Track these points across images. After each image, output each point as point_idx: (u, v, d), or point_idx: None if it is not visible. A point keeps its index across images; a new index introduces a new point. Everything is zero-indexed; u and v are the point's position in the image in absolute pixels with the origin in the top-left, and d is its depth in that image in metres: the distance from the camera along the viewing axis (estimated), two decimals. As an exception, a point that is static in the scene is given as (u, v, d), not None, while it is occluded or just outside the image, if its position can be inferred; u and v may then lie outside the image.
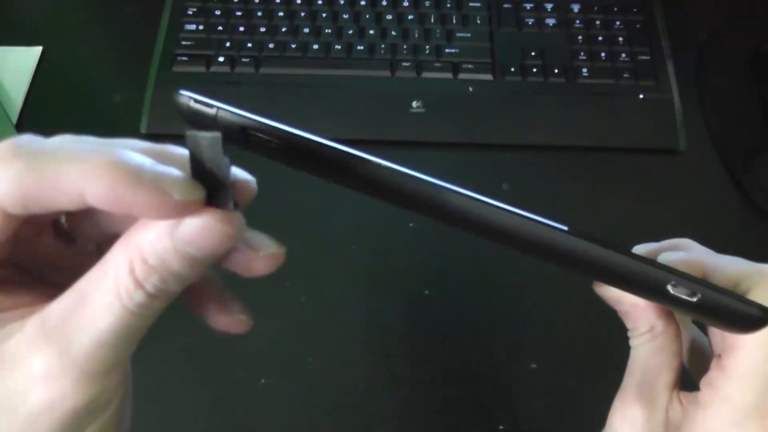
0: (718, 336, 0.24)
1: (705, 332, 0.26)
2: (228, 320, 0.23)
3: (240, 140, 0.20)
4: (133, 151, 0.18)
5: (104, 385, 0.19)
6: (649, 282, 0.21)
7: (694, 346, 0.28)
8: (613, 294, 0.25)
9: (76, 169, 0.17)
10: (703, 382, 0.24)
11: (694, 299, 0.21)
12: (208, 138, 0.18)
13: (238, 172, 0.20)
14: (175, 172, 0.18)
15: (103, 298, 0.18)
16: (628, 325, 0.26)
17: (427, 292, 0.49)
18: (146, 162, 0.18)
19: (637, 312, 0.25)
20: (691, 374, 0.28)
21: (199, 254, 0.18)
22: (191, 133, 0.18)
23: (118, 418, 0.20)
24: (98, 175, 0.17)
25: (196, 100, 0.20)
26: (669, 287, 0.21)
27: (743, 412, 0.23)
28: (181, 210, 0.18)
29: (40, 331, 0.18)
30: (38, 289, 0.21)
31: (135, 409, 0.22)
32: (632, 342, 0.26)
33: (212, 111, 0.20)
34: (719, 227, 0.53)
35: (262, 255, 0.21)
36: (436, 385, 0.46)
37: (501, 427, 0.44)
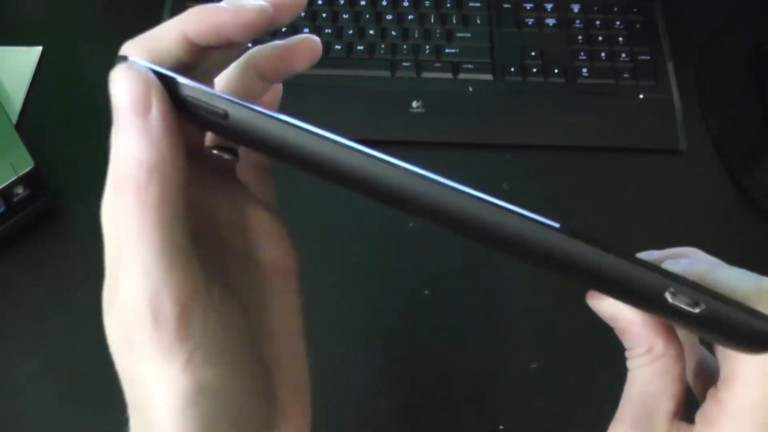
0: (726, 360, 0.21)
1: (714, 353, 0.24)
2: None
3: (187, 112, 0.20)
4: None
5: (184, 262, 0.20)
6: (644, 288, 0.18)
7: (701, 369, 0.26)
8: (607, 309, 0.23)
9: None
10: (699, 416, 0.22)
11: (697, 310, 0.18)
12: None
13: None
14: None
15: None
16: (626, 345, 0.23)
17: (427, 292, 0.49)
18: None
19: (634, 330, 0.22)
20: (699, 401, 0.25)
21: (115, 104, 0.19)
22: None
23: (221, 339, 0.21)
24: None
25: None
26: (667, 295, 0.18)
27: None
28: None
29: None
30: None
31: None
32: (629, 364, 0.23)
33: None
34: (719, 227, 0.53)
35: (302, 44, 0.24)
36: (436, 385, 0.46)
37: (501, 427, 0.44)
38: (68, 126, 0.53)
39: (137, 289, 0.19)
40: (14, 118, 0.55)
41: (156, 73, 0.19)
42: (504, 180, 0.54)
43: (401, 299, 0.49)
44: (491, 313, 0.49)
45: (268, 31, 0.22)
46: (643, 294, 0.18)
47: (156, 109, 0.19)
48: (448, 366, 0.46)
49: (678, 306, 0.18)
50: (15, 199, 0.47)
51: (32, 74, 0.58)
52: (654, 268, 0.18)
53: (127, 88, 0.19)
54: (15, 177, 0.47)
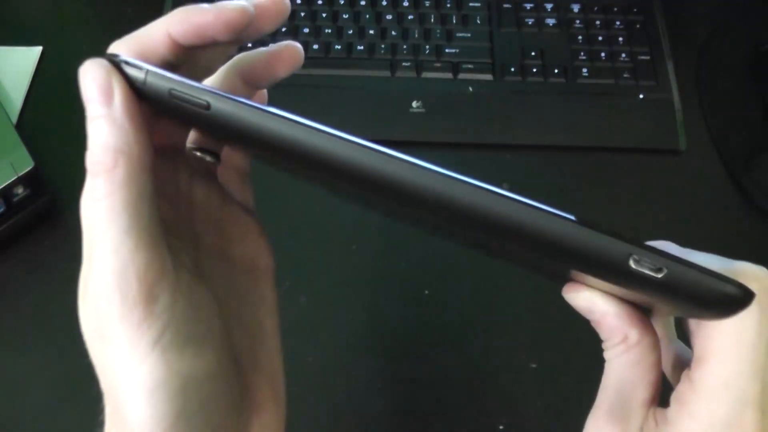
0: (698, 342, 0.22)
1: (690, 346, 0.24)
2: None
3: (173, 109, 0.20)
4: None
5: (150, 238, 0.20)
6: (608, 256, 0.18)
7: (679, 362, 0.26)
8: (582, 302, 0.23)
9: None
10: (673, 397, 0.23)
11: (660, 276, 0.18)
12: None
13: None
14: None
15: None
16: (602, 336, 0.24)
17: (427, 292, 0.49)
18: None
19: (609, 321, 0.23)
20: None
21: (84, 96, 0.20)
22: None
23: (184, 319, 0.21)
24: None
25: (127, 63, 0.20)
26: (631, 262, 0.18)
27: (712, 429, 0.21)
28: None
29: None
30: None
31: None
32: (606, 354, 0.24)
33: (141, 74, 0.20)
34: (719, 227, 0.53)
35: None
36: (436, 385, 0.46)
37: (501, 428, 0.44)
38: (68, 126, 0.53)
39: (107, 268, 0.20)
40: (14, 118, 0.55)
41: (129, 65, 0.20)
42: (504, 180, 0.54)
43: (401, 299, 0.49)
44: (491, 313, 0.49)
45: (252, 36, 0.23)
46: (608, 262, 0.18)
47: (118, 97, 0.20)
48: (448, 366, 0.46)
49: (641, 272, 0.18)
50: (15, 199, 0.47)
51: (32, 74, 0.58)
52: (616, 234, 0.18)
53: (91, 79, 0.20)
54: (15, 177, 0.47)
